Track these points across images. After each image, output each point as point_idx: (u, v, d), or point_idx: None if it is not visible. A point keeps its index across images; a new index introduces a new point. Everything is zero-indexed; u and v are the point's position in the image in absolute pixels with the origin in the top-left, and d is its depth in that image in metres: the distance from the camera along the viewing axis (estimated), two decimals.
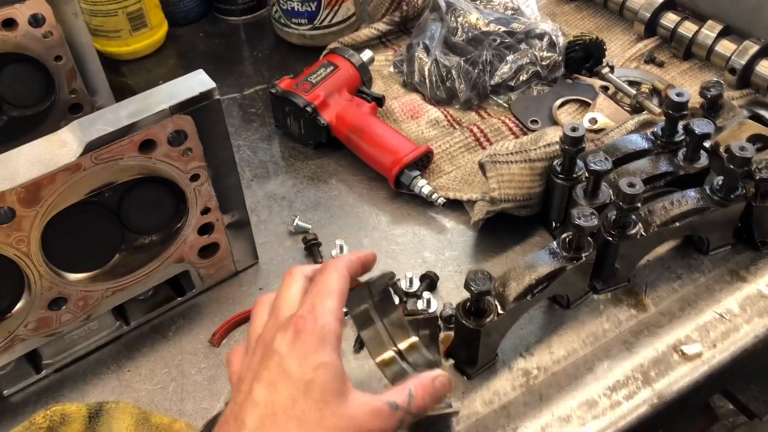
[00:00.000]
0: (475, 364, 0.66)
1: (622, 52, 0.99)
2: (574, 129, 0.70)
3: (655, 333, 0.68)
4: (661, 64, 0.97)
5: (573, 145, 0.70)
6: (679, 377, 0.65)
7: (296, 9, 1.00)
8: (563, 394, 0.64)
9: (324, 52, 0.95)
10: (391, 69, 1.00)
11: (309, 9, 0.99)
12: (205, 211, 0.67)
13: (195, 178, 0.64)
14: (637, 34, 1.01)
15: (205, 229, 0.69)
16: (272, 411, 0.47)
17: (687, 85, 0.94)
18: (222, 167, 0.66)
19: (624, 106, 0.90)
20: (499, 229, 0.78)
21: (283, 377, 0.48)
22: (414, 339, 0.61)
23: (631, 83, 0.93)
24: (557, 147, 0.73)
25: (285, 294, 0.54)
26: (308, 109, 0.86)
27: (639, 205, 0.65)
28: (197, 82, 0.59)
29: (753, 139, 0.73)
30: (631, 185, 0.64)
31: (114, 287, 0.66)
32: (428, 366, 0.59)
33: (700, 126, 0.71)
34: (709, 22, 0.93)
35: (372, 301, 0.60)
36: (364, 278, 0.59)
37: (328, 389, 0.48)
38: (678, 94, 0.73)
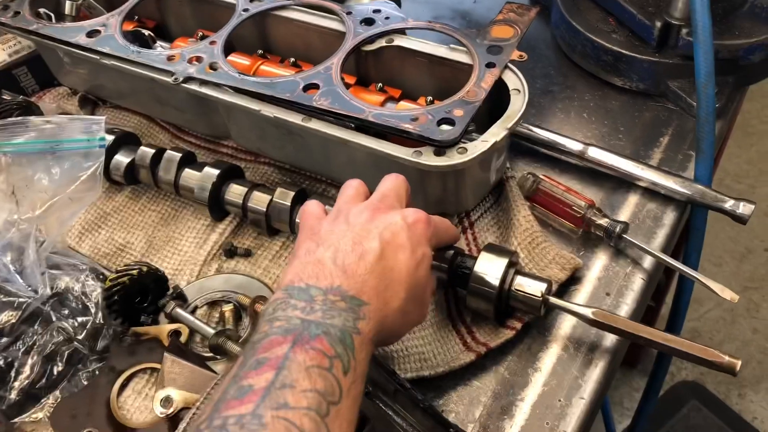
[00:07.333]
0: None
1: (197, 252, 0.75)
2: None
3: None
4: (248, 254, 0.74)
5: None
6: None
7: None
8: None
9: None
10: None
11: None
12: None
13: None
14: (208, 218, 0.77)
15: None
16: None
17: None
18: None
19: (205, 352, 0.66)
20: None
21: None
22: None
23: (212, 304, 0.70)
24: None
25: None
26: None
27: None
28: None
29: None
30: None
31: None
32: None
33: None
34: (279, 189, 0.72)
35: None
36: None
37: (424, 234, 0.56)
38: None
